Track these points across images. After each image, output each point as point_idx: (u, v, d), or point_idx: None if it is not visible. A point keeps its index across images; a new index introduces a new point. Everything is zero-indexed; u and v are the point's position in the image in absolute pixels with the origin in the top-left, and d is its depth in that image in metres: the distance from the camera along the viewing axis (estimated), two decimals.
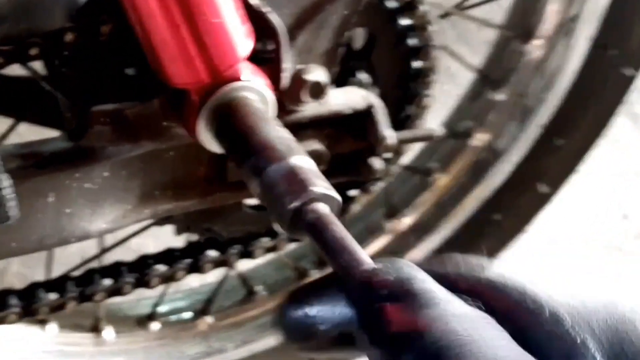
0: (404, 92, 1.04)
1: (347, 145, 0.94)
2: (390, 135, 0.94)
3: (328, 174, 0.92)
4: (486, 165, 1.41)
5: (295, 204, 0.65)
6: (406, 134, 0.97)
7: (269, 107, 0.81)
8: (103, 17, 0.79)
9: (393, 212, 1.43)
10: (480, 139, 1.41)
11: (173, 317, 1.38)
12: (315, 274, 1.40)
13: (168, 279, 1.06)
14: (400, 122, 1.04)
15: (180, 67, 0.76)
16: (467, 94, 1.45)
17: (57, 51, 0.80)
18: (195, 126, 0.80)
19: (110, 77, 0.83)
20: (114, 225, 0.88)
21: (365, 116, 0.92)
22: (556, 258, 1.89)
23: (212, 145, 0.80)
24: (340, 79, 0.96)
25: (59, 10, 0.78)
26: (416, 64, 1.02)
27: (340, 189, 1.06)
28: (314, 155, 0.90)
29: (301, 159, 0.70)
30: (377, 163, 0.95)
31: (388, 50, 1.00)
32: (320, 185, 0.67)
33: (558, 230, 1.91)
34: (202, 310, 1.37)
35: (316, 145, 0.91)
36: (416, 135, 0.97)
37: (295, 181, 0.69)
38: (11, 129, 1.14)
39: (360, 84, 1.00)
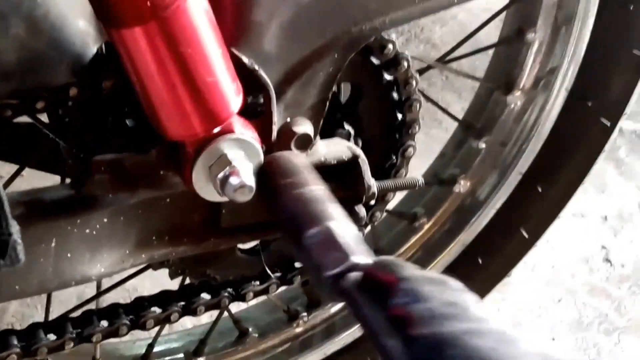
0: (389, 142, 1.09)
1: (333, 193, 0.99)
2: (373, 184, 0.99)
3: None
4: (470, 211, 1.46)
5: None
6: (389, 183, 1.03)
7: (259, 158, 0.87)
8: (105, 73, 0.85)
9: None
10: (464, 185, 1.46)
11: (167, 358, 1.42)
12: (304, 317, 1.44)
13: (162, 321, 1.11)
14: (385, 170, 1.10)
15: (176, 123, 0.81)
16: (451, 142, 1.50)
17: (62, 104, 0.86)
18: (190, 175, 0.85)
19: (110, 129, 0.88)
20: (112, 269, 0.93)
21: (350, 166, 0.98)
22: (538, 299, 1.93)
23: (205, 193, 0.85)
24: (327, 130, 1.02)
25: (64, 67, 0.83)
26: (400, 116, 1.07)
27: None
28: None
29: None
30: (362, 210, 1.00)
31: (373, 103, 1.06)
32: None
33: (542, 272, 1.96)
34: (195, 351, 1.41)
35: None
36: (399, 184, 1.03)
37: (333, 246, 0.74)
38: (17, 173, 1.19)
39: (347, 136, 1.05)
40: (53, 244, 0.88)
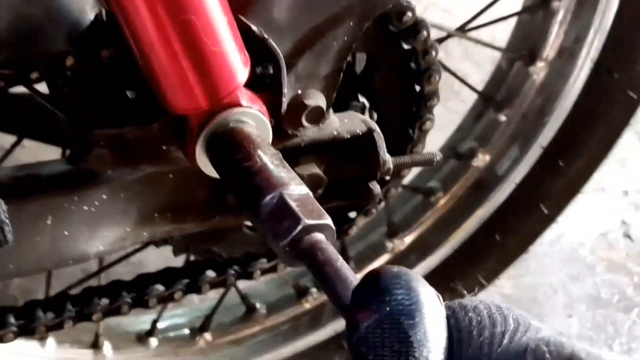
0: (406, 116, 1.04)
1: (346, 170, 0.93)
2: (389, 160, 0.94)
3: (327, 197, 0.93)
4: (488, 186, 1.41)
5: (289, 237, 0.66)
6: (406, 158, 0.97)
7: (266, 132, 0.81)
8: (104, 42, 0.79)
9: (394, 231, 1.43)
10: (482, 159, 1.41)
11: (172, 334, 1.38)
12: (314, 293, 1.40)
13: (166, 299, 1.06)
14: (401, 145, 1.04)
15: (179, 95, 0.76)
16: (470, 114, 1.45)
17: (58, 74, 0.80)
18: (194, 151, 0.80)
19: (110, 101, 0.83)
20: (112, 247, 0.88)
21: (364, 141, 0.92)
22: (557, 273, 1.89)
23: (209, 169, 0.80)
24: (340, 103, 0.96)
25: (60, 36, 0.78)
26: (419, 87, 1.01)
27: (341, 211, 1.07)
28: (312, 179, 0.91)
29: (295, 188, 0.70)
30: (376, 187, 0.95)
31: (390, 74, 1.00)
32: (313, 215, 0.67)
33: (560, 248, 1.91)
34: (201, 327, 1.37)
35: (314, 169, 0.91)
36: (416, 160, 0.97)
37: (288, 213, 0.69)
38: (15, 145, 1.14)
39: (361, 109, 1.00)
40: (49, 222, 0.83)
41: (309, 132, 0.89)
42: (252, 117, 0.79)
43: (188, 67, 0.73)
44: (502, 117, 1.40)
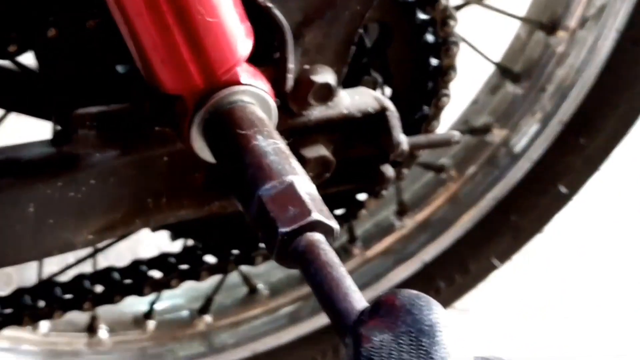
0: (421, 91, 0.96)
1: (356, 151, 0.86)
2: (404, 140, 0.86)
3: (335, 180, 0.86)
4: (504, 163, 1.33)
5: (285, 229, 0.58)
6: (421, 139, 0.89)
7: (270, 113, 0.73)
8: (89, 10, 0.71)
9: (404, 210, 1.35)
10: (498, 135, 1.33)
11: (170, 316, 1.32)
12: None
13: (162, 286, 1.00)
14: (415, 122, 0.96)
15: (172, 72, 0.68)
16: (485, 87, 1.36)
17: (39, 47, 0.73)
18: (188, 134, 0.72)
19: (97, 76, 0.75)
20: (101, 236, 0.81)
21: (377, 120, 0.84)
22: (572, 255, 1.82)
23: (206, 154, 0.73)
24: (351, 78, 0.88)
25: (39, 3, 0.70)
26: (435, 61, 0.93)
27: (349, 192, 1.00)
28: (319, 162, 0.83)
29: (298, 178, 0.63)
30: (389, 170, 0.87)
31: (404, 46, 0.92)
32: (324, 213, 0.60)
33: (575, 229, 1.84)
34: (201, 309, 1.31)
35: (322, 151, 0.83)
36: (432, 141, 0.90)
37: (297, 201, 0.62)
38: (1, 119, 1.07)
39: (373, 84, 0.92)
40: (31, 209, 0.75)
41: (317, 110, 0.82)
42: (254, 96, 0.72)
43: (181, 41, 0.65)
44: (520, 90, 1.32)
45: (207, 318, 1.32)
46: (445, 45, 0.92)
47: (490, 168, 1.33)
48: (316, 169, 0.83)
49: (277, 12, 0.74)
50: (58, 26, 0.71)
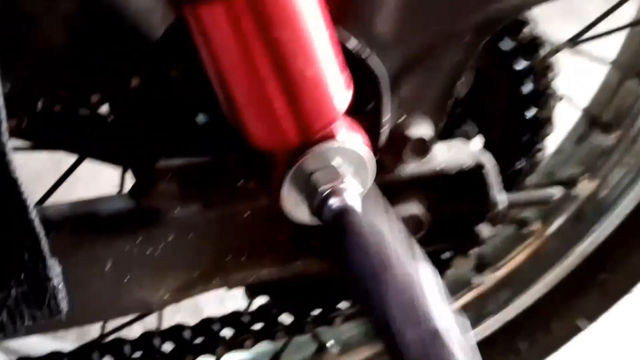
0: (515, 144, 0.90)
1: (450, 209, 0.80)
2: (502, 200, 0.80)
3: (428, 240, 0.80)
4: (592, 217, 1.25)
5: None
6: (519, 197, 0.83)
7: (368, 170, 0.68)
8: (174, 60, 0.67)
9: (484, 265, 1.28)
10: (586, 187, 1.25)
11: None
12: None
13: (235, 346, 0.94)
14: (508, 177, 0.90)
15: (264, 127, 0.63)
16: (571, 137, 1.29)
17: (122, 97, 0.68)
18: (279, 190, 0.67)
19: (177, 127, 0.71)
20: (178, 295, 0.76)
21: (472, 177, 0.78)
22: None
23: (298, 214, 0.67)
24: (445, 128, 0.83)
25: (126, 53, 0.66)
26: (533, 112, 0.87)
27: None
28: (413, 221, 0.77)
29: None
30: (485, 230, 0.81)
31: (500, 97, 0.86)
32: None
33: None
34: None
35: (415, 209, 0.78)
36: (531, 199, 0.83)
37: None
38: (74, 166, 1.03)
39: (467, 135, 0.86)
40: (108, 267, 0.71)
41: (410, 166, 0.76)
42: (351, 154, 0.66)
43: (277, 95, 0.60)
44: (609, 141, 1.24)
45: None
46: (544, 97, 0.86)
47: (577, 222, 1.26)
48: (409, 229, 0.77)
49: (374, 61, 0.69)
50: (142, 76, 0.66)
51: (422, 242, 0.79)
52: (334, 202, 0.63)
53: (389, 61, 0.70)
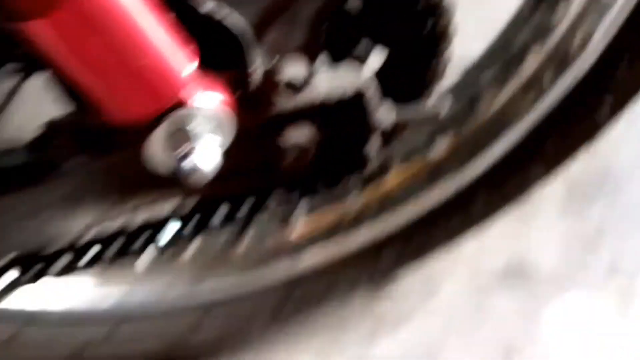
0: (418, 53, 0.92)
1: (336, 136, 0.85)
2: (386, 119, 0.85)
3: (318, 165, 0.86)
4: None
5: None
6: (407, 113, 0.87)
7: (225, 126, 0.74)
8: None
9: None
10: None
11: None
12: None
13: None
14: (413, 87, 0.93)
15: (114, 111, 0.69)
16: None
17: None
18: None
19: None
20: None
21: (352, 105, 0.83)
22: None
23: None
24: (340, 50, 0.86)
25: None
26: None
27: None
28: (297, 150, 0.84)
29: None
30: (372, 151, 0.86)
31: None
32: None
33: None
34: None
35: (299, 138, 0.83)
36: (418, 116, 0.87)
37: None
38: None
39: (362, 56, 0.89)
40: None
41: (290, 101, 0.81)
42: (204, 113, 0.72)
43: (114, 86, 0.66)
44: None
45: None
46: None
47: None
48: (294, 157, 0.83)
49: (232, 21, 0.72)
50: None
51: (313, 167, 0.86)
52: (185, 163, 0.71)
53: (249, 14, 0.73)
